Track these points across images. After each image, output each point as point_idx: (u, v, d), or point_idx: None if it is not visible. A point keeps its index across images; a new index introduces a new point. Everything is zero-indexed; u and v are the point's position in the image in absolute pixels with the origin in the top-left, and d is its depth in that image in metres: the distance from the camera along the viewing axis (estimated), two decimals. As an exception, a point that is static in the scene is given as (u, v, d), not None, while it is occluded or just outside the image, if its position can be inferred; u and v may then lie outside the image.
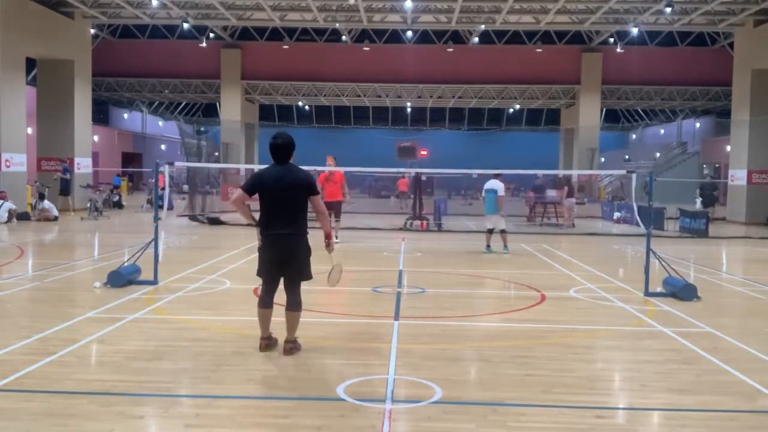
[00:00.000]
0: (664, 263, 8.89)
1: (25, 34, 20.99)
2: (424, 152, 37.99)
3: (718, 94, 36.26)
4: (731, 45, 27.43)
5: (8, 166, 20.19)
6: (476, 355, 6.04)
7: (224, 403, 4.60)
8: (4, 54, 19.96)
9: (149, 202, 25.72)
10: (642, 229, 10.91)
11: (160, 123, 53.84)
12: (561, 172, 28.87)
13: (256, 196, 5.87)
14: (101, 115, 42.71)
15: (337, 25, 28.45)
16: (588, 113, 35.73)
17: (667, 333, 6.86)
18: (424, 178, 26.51)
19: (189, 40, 33.60)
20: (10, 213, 18.56)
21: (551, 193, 22.35)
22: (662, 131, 52.45)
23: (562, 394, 4.88)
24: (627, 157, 47.08)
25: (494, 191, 13.55)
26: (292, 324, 5.82)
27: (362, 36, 34.53)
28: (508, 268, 11.93)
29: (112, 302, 7.77)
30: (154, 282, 8.92)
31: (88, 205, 21.15)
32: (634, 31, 27.02)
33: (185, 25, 26.00)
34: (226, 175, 34.31)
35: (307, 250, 5.86)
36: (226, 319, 7.34)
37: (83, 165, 24.61)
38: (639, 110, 49.24)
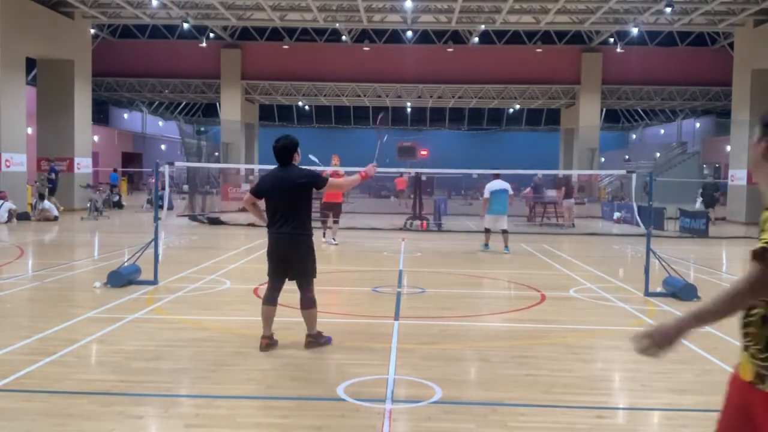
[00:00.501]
0: (664, 263, 8.89)
1: (25, 34, 21.00)
2: (424, 152, 37.91)
3: (718, 94, 36.25)
4: (731, 45, 27.43)
5: (8, 166, 20.20)
6: (476, 355, 6.04)
7: (224, 403, 4.60)
8: (4, 54, 19.96)
9: (149, 202, 25.71)
10: (642, 229, 10.91)
11: (160, 123, 53.84)
12: (561, 172, 28.87)
13: None
14: (101, 115, 42.70)
15: (337, 25, 28.45)
16: (588, 113, 35.73)
17: (667, 333, 6.86)
18: (424, 178, 26.53)
19: (189, 40, 33.60)
20: (10, 213, 18.56)
21: (550, 193, 22.35)
22: (662, 131, 52.45)
23: (562, 394, 4.88)
24: (627, 157, 47.06)
25: (506, 191, 13.67)
26: (309, 321, 6.01)
27: (362, 36, 34.53)
28: (508, 268, 11.93)
29: (112, 302, 7.77)
30: (154, 282, 8.91)
31: (88, 205, 21.15)
32: (634, 31, 27.02)
33: (185, 25, 26.01)
34: (226, 175, 34.33)
35: (311, 249, 5.96)
36: (226, 319, 7.34)
37: (83, 165, 24.61)
38: (639, 110, 49.24)
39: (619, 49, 33.22)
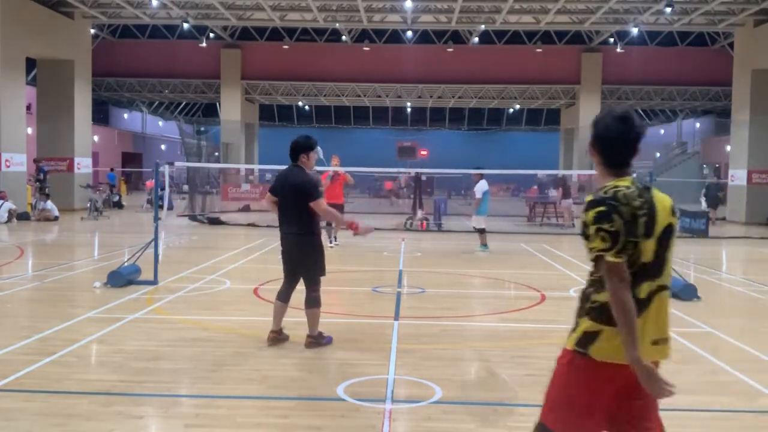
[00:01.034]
0: (664, 263, 8.88)
1: (25, 34, 21.00)
2: (424, 152, 37.97)
3: (718, 94, 36.24)
4: (731, 45, 27.43)
5: (8, 166, 20.20)
6: (476, 355, 6.04)
7: (224, 403, 4.60)
8: (4, 54, 19.96)
9: (149, 202, 25.71)
10: (642, 229, 10.92)
11: (160, 123, 53.83)
12: (561, 172, 28.88)
13: None
14: (101, 115, 42.68)
15: (337, 25, 28.45)
16: (588, 113, 35.65)
17: (667, 333, 6.86)
18: (424, 178, 26.55)
19: (189, 40, 33.59)
20: (10, 213, 18.57)
21: (553, 192, 22.35)
22: (662, 131, 52.42)
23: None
24: (627, 157, 46.99)
25: (489, 191, 13.76)
26: (309, 320, 6.05)
27: (362, 36, 34.53)
28: (508, 268, 11.93)
29: (112, 302, 7.77)
30: (154, 282, 8.91)
31: (88, 205, 21.15)
32: (634, 31, 27.02)
33: (185, 25, 26.00)
34: (226, 175, 34.32)
35: (316, 248, 6.01)
36: (226, 319, 7.33)
37: (83, 165, 24.61)
38: (639, 110, 49.17)
39: (619, 49, 33.22)
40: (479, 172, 13.81)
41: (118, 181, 32.84)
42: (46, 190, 20.09)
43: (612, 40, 33.15)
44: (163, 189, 13.60)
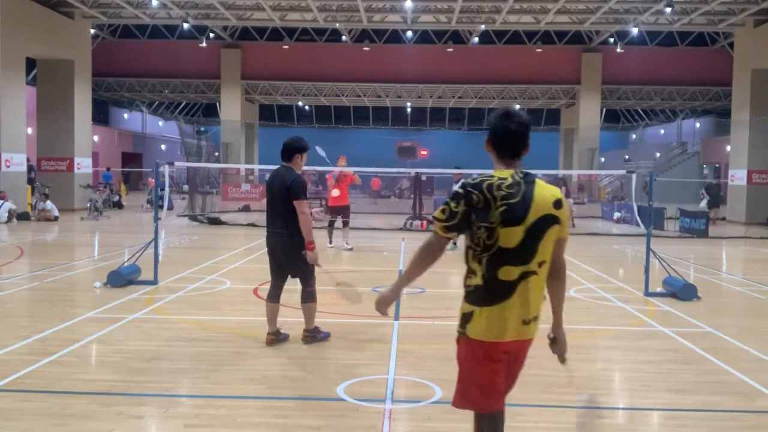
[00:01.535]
0: (664, 263, 8.89)
1: (25, 34, 20.99)
2: (424, 152, 37.88)
3: (718, 94, 36.23)
4: (731, 45, 27.42)
5: (8, 166, 20.19)
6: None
7: (224, 403, 4.60)
8: (4, 54, 19.96)
9: (149, 202, 25.71)
10: (642, 229, 10.92)
11: (160, 123, 53.81)
12: (561, 172, 28.86)
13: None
14: (101, 115, 42.65)
15: (337, 25, 28.44)
16: (588, 113, 35.71)
17: (667, 333, 6.87)
18: (424, 178, 26.54)
19: (189, 40, 33.57)
20: (10, 213, 18.57)
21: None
22: (662, 131, 52.41)
23: (562, 394, 4.88)
24: (627, 157, 47.06)
25: None
26: (306, 315, 6.09)
27: (362, 36, 34.51)
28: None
29: (112, 302, 7.77)
30: (154, 282, 8.92)
31: (88, 205, 21.15)
32: (634, 31, 27.00)
33: (185, 25, 26.00)
34: (226, 175, 34.33)
35: (299, 248, 5.92)
36: (226, 319, 7.33)
37: (83, 165, 24.60)
38: (639, 110, 49.21)
39: (619, 49, 33.20)
40: (459, 171, 13.69)
41: (118, 182, 32.84)
42: (35, 183, 20.02)
43: (612, 40, 33.13)
44: (163, 189, 13.61)
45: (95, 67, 26.63)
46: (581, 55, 35.11)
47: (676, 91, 37.24)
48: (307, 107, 49.14)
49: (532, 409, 4.60)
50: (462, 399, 2.92)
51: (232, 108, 36.35)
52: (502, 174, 2.84)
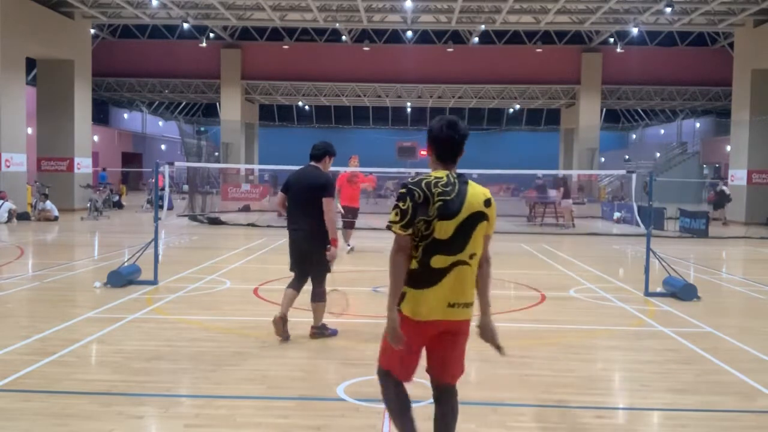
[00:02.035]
0: (664, 263, 8.89)
1: (25, 34, 21.00)
2: (424, 152, 37.72)
3: (718, 94, 36.24)
4: (731, 45, 27.42)
5: (8, 166, 20.20)
6: (476, 355, 6.03)
7: (224, 403, 4.60)
8: (4, 54, 19.96)
9: (149, 202, 25.71)
10: (642, 229, 10.92)
11: (160, 123, 53.81)
12: (561, 172, 28.87)
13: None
14: (101, 115, 42.65)
15: (337, 25, 28.45)
16: (588, 113, 35.71)
17: (667, 333, 6.87)
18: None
19: (189, 40, 33.59)
20: (10, 213, 18.57)
21: (552, 193, 22.35)
22: (662, 131, 52.41)
23: (562, 394, 4.88)
24: (627, 157, 47.04)
25: None
26: (315, 313, 6.28)
27: (362, 36, 34.52)
28: (508, 268, 11.92)
29: (112, 302, 7.77)
30: (154, 282, 8.92)
31: (88, 205, 21.15)
32: (634, 31, 27.01)
33: (185, 25, 26.01)
34: (226, 175, 34.32)
35: (324, 245, 6.08)
36: (226, 319, 7.33)
37: (83, 165, 24.61)
38: (639, 110, 49.22)
39: (619, 49, 33.21)
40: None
41: (117, 183, 32.82)
42: (47, 190, 20.08)
43: (612, 40, 33.14)
44: (163, 189, 13.61)
45: (95, 67, 26.63)
46: (581, 55, 35.12)
47: (676, 91, 37.25)
48: (307, 107, 49.14)
49: (532, 409, 4.60)
50: (382, 357, 3.33)
51: (232, 108, 36.35)
52: (439, 174, 3.20)
